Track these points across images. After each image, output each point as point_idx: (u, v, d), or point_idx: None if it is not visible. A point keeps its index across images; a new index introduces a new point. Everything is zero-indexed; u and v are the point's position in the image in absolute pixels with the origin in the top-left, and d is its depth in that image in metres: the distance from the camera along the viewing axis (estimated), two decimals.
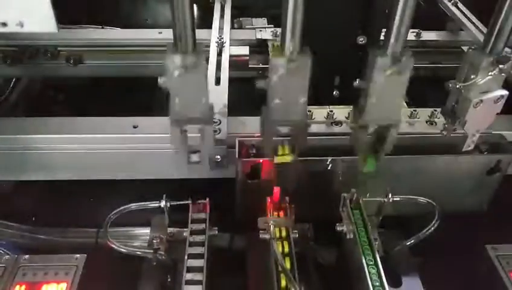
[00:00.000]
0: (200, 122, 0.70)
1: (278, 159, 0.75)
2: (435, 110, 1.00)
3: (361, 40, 0.82)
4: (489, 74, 0.70)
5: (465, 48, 1.29)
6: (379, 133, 0.74)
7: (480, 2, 1.31)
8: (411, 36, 1.27)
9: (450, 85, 0.73)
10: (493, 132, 0.96)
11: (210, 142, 0.71)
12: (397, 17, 0.62)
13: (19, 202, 1.01)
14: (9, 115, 1.23)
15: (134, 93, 1.29)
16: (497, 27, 0.69)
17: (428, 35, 1.32)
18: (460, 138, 0.93)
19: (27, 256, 0.80)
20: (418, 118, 0.99)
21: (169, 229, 0.82)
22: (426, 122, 0.99)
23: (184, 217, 0.81)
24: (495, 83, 0.72)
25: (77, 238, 0.92)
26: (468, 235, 0.94)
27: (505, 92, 0.74)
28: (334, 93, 0.94)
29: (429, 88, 1.27)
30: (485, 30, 1.24)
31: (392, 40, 0.63)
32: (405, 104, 1.13)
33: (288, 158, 0.75)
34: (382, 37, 0.71)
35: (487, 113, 0.75)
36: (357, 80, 0.67)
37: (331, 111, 0.98)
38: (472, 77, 0.72)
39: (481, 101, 0.73)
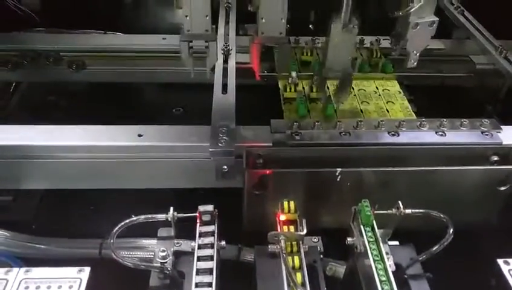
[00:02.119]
0: (204, 38, 0.98)
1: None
2: (444, 121, 0.98)
3: None
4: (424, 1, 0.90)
5: (472, 57, 1.29)
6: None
7: (487, 10, 1.31)
8: None
9: (395, 13, 0.93)
10: (504, 144, 0.95)
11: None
12: None
13: (21, 212, 0.99)
14: (10, 120, 1.21)
15: (138, 99, 1.28)
16: None
17: (435, 44, 1.31)
18: (468, 149, 0.93)
19: (30, 269, 0.77)
20: (427, 129, 0.98)
21: (176, 241, 0.80)
22: (435, 133, 0.98)
23: (191, 226, 0.79)
24: (428, 10, 0.93)
25: (81, 249, 0.90)
26: (480, 249, 0.93)
27: (435, 18, 0.94)
28: (310, 26, 1.17)
29: (436, 97, 1.26)
30: (491, 38, 1.23)
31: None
32: (413, 113, 1.13)
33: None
34: None
35: (424, 35, 0.96)
36: None
37: (339, 121, 0.96)
38: (410, 5, 0.91)
39: (418, 24, 0.93)
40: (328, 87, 1.16)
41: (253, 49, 1.13)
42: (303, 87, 1.16)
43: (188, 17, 1.00)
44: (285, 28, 1.02)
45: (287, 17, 1.09)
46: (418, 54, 0.99)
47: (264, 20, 1.00)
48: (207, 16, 1.02)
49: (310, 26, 1.16)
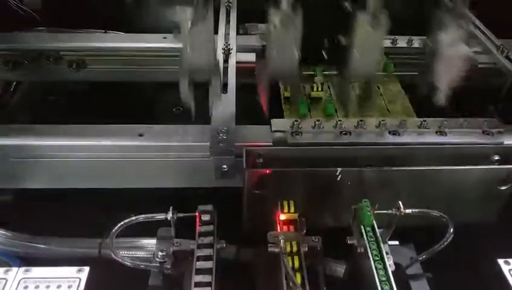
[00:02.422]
0: (207, 74, 0.83)
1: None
2: (445, 120, 0.98)
3: (348, 4, 0.88)
4: (453, 31, 0.84)
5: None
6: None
7: (488, 8, 1.31)
8: (416, 44, 1.25)
9: (423, 43, 0.89)
10: (505, 144, 0.95)
11: (217, 89, 0.84)
12: None
13: (21, 212, 0.99)
14: (10, 120, 1.21)
15: (139, 99, 1.28)
16: None
17: None
18: (469, 149, 0.92)
19: (29, 268, 0.77)
20: (428, 129, 0.98)
21: (176, 240, 0.80)
22: (436, 132, 0.98)
23: (190, 227, 0.79)
24: (459, 40, 0.85)
25: (80, 249, 0.90)
26: (480, 249, 0.93)
27: (467, 49, 0.87)
28: (323, 52, 1.05)
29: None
30: (492, 36, 1.23)
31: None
32: (414, 113, 1.13)
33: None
34: None
35: (453, 67, 0.87)
36: None
37: (340, 121, 0.96)
38: (439, 34, 0.85)
39: (448, 55, 0.86)
40: (328, 87, 1.16)
41: (260, 87, 1.04)
42: (304, 87, 1.16)
43: (188, 51, 0.80)
44: (297, 64, 0.89)
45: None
46: (447, 89, 0.90)
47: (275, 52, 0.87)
48: (210, 51, 0.84)
49: (323, 52, 1.04)
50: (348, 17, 0.89)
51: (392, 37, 1.28)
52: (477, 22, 1.28)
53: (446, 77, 0.87)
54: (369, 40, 0.86)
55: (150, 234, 0.86)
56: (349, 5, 0.91)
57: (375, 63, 0.93)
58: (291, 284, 0.69)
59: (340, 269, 0.86)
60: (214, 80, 0.78)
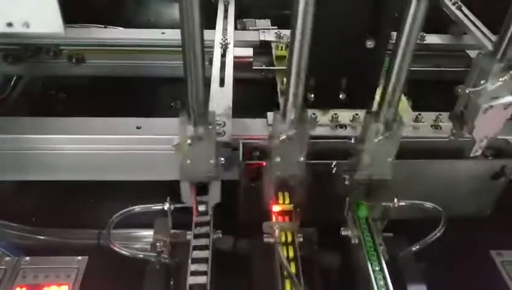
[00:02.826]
0: (208, 180, 0.77)
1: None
2: (440, 114, 0.99)
3: (370, 43, 0.83)
4: (500, 79, 0.70)
5: (469, 52, 1.30)
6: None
7: (484, 5, 1.32)
8: None
9: (460, 90, 0.74)
10: (498, 137, 0.96)
11: (217, 192, 0.79)
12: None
13: (20, 203, 1.00)
14: (10, 114, 1.22)
15: (137, 93, 1.29)
16: (509, 32, 0.69)
17: (432, 39, 1.32)
18: (465, 142, 0.93)
19: (28, 258, 0.79)
20: (423, 122, 0.99)
21: (173, 231, 0.82)
22: (431, 126, 0.99)
23: (187, 218, 0.80)
24: (505, 89, 0.72)
25: (79, 239, 0.91)
26: (473, 241, 0.94)
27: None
28: (341, 96, 0.92)
29: (433, 92, 1.27)
30: (488, 33, 1.24)
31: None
32: (410, 108, 1.14)
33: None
34: (392, 41, 0.73)
35: (496, 119, 0.76)
36: None
37: (336, 114, 0.97)
38: (482, 82, 0.72)
39: (491, 107, 0.73)
40: None
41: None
42: None
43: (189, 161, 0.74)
44: (303, 167, 0.77)
45: (312, 83, 0.84)
46: (485, 142, 0.81)
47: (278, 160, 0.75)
48: (211, 160, 0.75)
49: (340, 96, 0.89)
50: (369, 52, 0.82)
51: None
52: (473, 17, 1.29)
53: (486, 129, 0.78)
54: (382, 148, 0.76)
55: (150, 226, 0.87)
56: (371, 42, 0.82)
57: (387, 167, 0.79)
58: (285, 273, 0.70)
59: (334, 260, 0.87)
60: (214, 185, 0.78)
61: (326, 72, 0.84)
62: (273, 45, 1.24)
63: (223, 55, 1.08)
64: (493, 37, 1.20)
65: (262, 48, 1.25)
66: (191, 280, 0.69)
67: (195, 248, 0.73)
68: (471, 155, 0.83)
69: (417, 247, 0.80)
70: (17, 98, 1.29)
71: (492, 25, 1.25)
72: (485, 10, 1.30)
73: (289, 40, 0.65)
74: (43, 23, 0.74)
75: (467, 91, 0.73)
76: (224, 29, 1.21)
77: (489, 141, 0.90)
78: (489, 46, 1.19)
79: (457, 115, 0.78)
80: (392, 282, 0.71)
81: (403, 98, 1.16)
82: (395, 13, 0.78)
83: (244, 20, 1.35)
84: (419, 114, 1.00)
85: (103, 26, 1.36)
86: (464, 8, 1.36)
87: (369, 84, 0.86)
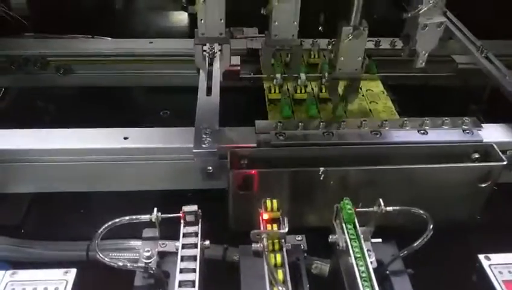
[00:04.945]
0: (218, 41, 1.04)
1: None
2: (426, 120, 1.00)
3: None
4: (431, 2, 0.93)
5: (455, 57, 1.31)
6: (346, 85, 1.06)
7: (469, 11, 1.33)
8: (400, 45, 1.27)
9: (407, 16, 0.97)
10: (484, 141, 0.97)
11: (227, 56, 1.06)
12: None
13: (7, 215, 0.99)
14: None
15: (124, 103, 1.28)
16: None
17: None
18: (450, 147, 0.94)
19: (15, 271, 0.78)
20: (409, 128, 1.00)
21: (161, 242, 0.81)
22: (417, 131, 1.00)
23: (176, 227, 0.80)
24: (437, 11, 0.96)
25: (67, 251, 0.91)
26: (461, 245, 0.94)
27: (444, 19, 0.97)
28: (320, 28, 1.14)
29: (419, 97, 1.28)
30: (473, 38, 1.25)
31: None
32: (396, 113, 1.15)
33: None
34: None
35: (432, 36, 0.99)
36: None
37: (323, 121, 0.98)
38: (419, 6, 0.94)
39: (426, 25, 0.96)
40: (312, 89, 1.18)
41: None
42: (312, 88, 1.20)
43: (202, 21, 1.01)
44: (297, 30, 1.04)
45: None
46: (426, 55, 1.02)
47: (277, 23, 1.01)
48: (221, 19, 1.03)
49: (320, 28, 1.14)
50: None
51: (375, 39, 1.30)
52: (458, 23, 1.30)
53: (425, 44, 1.00)
54: (352, 47, 0.98)
55: (139, 236, 0.86)
56: None
57: (358, 64, 1.02)
58: (273, 281, 0.70)
59: (325, 268, 0.87)
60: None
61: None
62: (260, 53, 1.24)
63: (210, 64, 1.08)
64: (478, 42, 1.22)
65: (250, 56, 1.26)
66: None
67: (183, 258, 0.73)
68: (416, 66, 1.04)
69: (405, 253, 0.80)
70: (4, 110, 1.28)
71: (477, 29, 1.27)
72: (469, 14, 1.31)
73: None
74: None
75: (409, 15, 0.96)
76: None
77: (474, 145, 0.94)
78: (474, 51, 1.20)
79: (405, 35, 1.02)
80: (379, 288, 0.70)
81: (390, 103, 1.17)
82: None
83: (231, 28, 1.35)
84: (406, 120, 1.00)
85: (90, 36, 1.36)
86: (448, 13, 1.37)
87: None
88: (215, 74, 1.04)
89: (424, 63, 1.04)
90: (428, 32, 0.97)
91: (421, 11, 0.94)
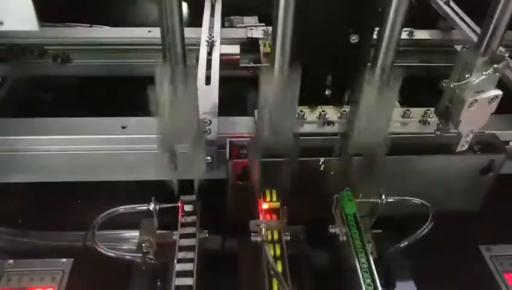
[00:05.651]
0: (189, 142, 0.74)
1: None
2: (428, 110, 0.99)
3: (354, 38, 0.82)
4: (484, 73, 0.70)
5: (457, 47, 1.29)
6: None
7: (473, 0, 1.31)
8: (404, 35, 1.26)
9: (444, 84, 0.73)
10: (486, 132, 0.95)
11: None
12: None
13: (4, 205, 0.98)
14: None
15: (122, 93, 1.27)
16: (491, 26, 0.69)
17: (421, 34, 1.32)
18: (454, 137, 0.93)
19: (12, 261, 0.78)
20: (411, 118, 0.99)
21: (159, 232, 0.81)
22: (419, 122, 0.98)
23: (174, 218, 0.79)
24: (489, 82, 0.72)
25: (64, 241, 0.90)
26: (462, 236, 0.93)
27: (499, 92, 0.74)
28: (326, 92, 0.93)
29: (422, 87, 1.26)
30: (477, 29, 1.24)
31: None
32: (398, 103, 1.13)
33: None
34: (375, 36, 0.73)
35: (481, 113, 0.75)
36: None
37: (323, 111, 0.97)
38: (466, 76, 0.71)
39: (475, 100, 0.72)
40: None
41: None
42: None
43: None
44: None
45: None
46: (471, 136, 0.80)
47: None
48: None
49: (326, 92, 0.90)
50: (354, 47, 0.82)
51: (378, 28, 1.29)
52: (461, 13, 1.29)
53: (471, 124, 0.77)
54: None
55: (137, 226, 0.86)
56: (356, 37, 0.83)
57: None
58: (272, 272, 0.69)
59: (322, 258, 0.86)
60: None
61: (311, 69, 0.82)
62: (260, 42, 1.23)
63: (210, 53, 1.07)
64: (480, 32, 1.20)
65: (250, 45, 1.25)
66: (177, 281, 0.68)
67: (181, 248, 0.72)
68: (458, 150, 0.82)
69: (405, 243, 0.79)
70: (2, 99, 1.27)
71: (481, 20, 1.25)
72: (473, 5, 1.30)
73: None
74: (18, 21, 0.72)
75: (451, 85, 0.72)
76: (211, 27, 1.20)
77: (475, 135, 0.91)
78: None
79: (443, 109, 0.77)
80: (380, 279, 0.70)
81: None
82: (378, 7, 0.78)
83: (231, 17, 1.34)
84: (408, 110, 0.99)
85: (89, 25, 1.34)
86: (451, 3, 1.36)
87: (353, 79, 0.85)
88: (215, 63, 1.03)
89: (466, 146, 0.82)
90: (477, 109, 0.74)
91: (469, 84, 0.70)
